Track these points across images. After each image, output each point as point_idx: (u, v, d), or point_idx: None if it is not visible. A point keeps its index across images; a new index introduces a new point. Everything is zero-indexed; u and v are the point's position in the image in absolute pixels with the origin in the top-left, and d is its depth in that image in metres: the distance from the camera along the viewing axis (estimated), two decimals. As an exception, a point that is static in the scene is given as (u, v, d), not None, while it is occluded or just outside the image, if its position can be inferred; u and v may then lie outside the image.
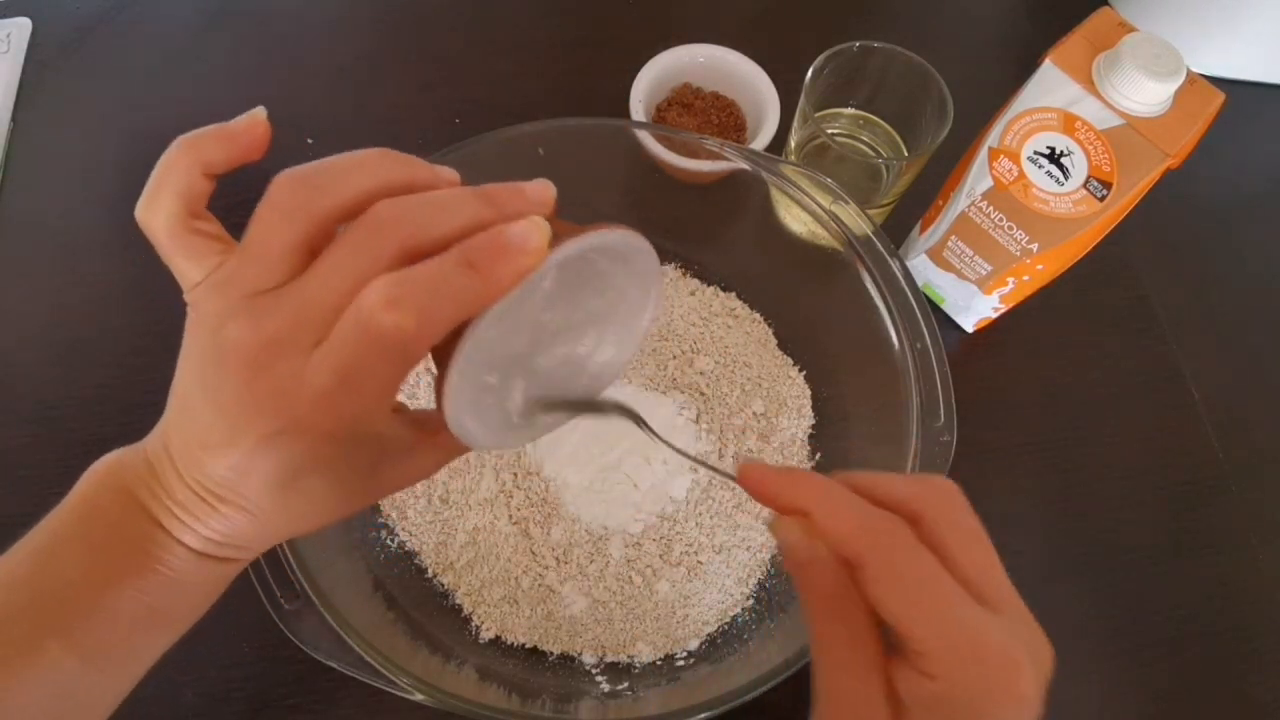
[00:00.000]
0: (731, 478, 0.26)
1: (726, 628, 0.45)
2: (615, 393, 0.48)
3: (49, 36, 0.62)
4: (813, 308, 0.51)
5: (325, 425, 0.24)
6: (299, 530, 0.27)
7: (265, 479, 0.24)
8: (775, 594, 0.45)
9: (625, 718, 0.42)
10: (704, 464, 0.30)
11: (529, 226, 0.24)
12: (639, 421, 0.29)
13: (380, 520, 0.46)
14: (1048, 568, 0.48)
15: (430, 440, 0.28)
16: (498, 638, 0.44)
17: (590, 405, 0.31)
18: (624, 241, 0.26)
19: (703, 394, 0.49)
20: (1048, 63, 0.42)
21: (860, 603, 0.23)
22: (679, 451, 0.30)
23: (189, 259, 0.28)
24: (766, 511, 0.42)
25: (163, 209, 0.28)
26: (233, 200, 0.60)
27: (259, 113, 0.28)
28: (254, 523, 0.25)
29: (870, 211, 0.46)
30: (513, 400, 0.29)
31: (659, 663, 0.44)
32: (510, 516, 0.46)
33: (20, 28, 0.62)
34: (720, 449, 0.48)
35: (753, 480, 0.25)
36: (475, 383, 0.27)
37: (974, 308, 0.51)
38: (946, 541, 0.24)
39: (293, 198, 0.25)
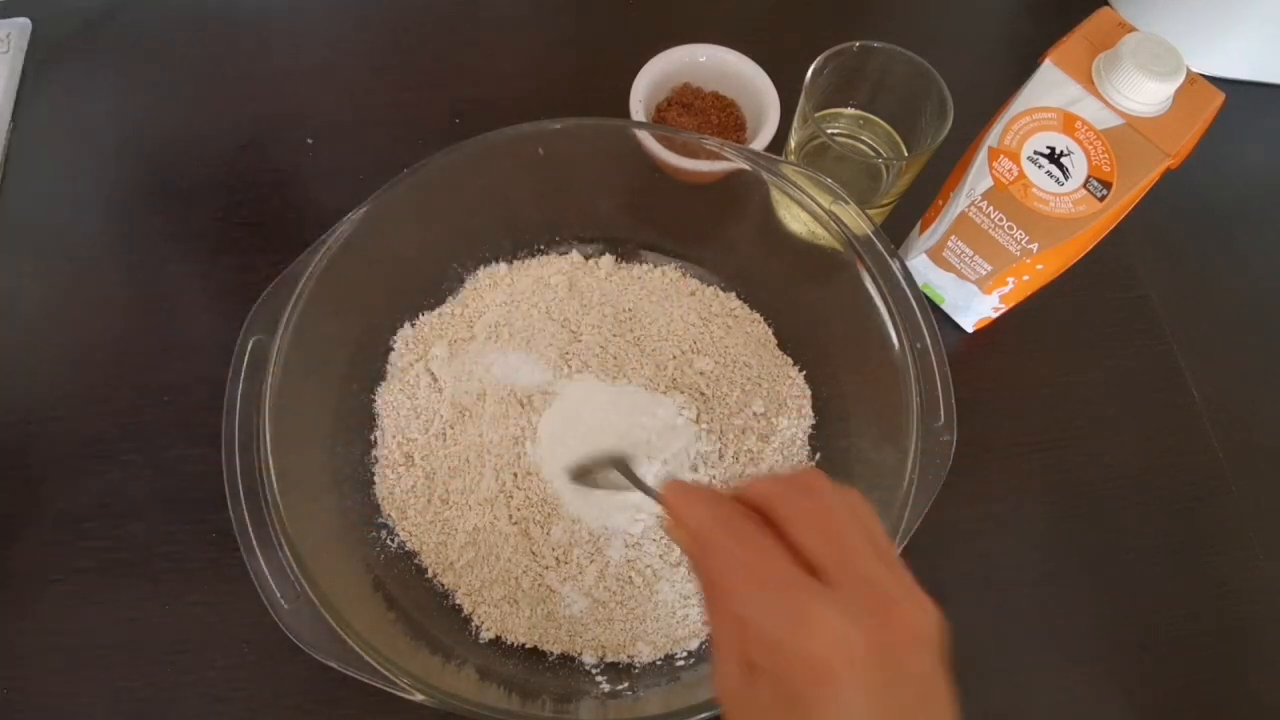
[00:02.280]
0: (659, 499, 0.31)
1: (726, 628, 0.45)
2: (617, 392, 0.48)
3: (49, 36, 0.62)
4: (813, 308, 0.51)
5: None
6: None
7: None
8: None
9: (625, 718, 0.42)
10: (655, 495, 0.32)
11: None
12: (625, 470, 0.34)
13: (380, 520, 0.46)
14: (1048, 568, 0.48)
15: None
16: (498, 638, 0.44)
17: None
18: None
19: (703, 394, 0.49)
20: (1048, 63, 0.42)
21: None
22: (655, 497, 0.33)
23: None
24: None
25: None
26: (232, 201, 0.60)
27: None
28: None
29: (870, 211, 0.46)
30: None
31: (659, 663, 0.43)
32: (510, 517, 0.46)
33: (20, 28, 0.62)
34: (720, 449, 0.48)
35: (665, 496, 0.30)
36: None
37: (974, 308, 0.51)
38: (786, 529, 0.27)
39: None
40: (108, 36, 0.63)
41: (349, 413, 0.47)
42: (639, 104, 0.53)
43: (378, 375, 0.49)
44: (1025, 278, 0.47)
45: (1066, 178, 0.42)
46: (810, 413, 0.49)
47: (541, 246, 0.54)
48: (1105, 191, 0.41)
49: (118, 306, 0.53)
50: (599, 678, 0.43)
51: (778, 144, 0.53)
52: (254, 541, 0.37)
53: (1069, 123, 0.41)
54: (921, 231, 0.51)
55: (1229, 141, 0.59)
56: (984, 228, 0.45)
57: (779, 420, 0.48)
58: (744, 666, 0.27)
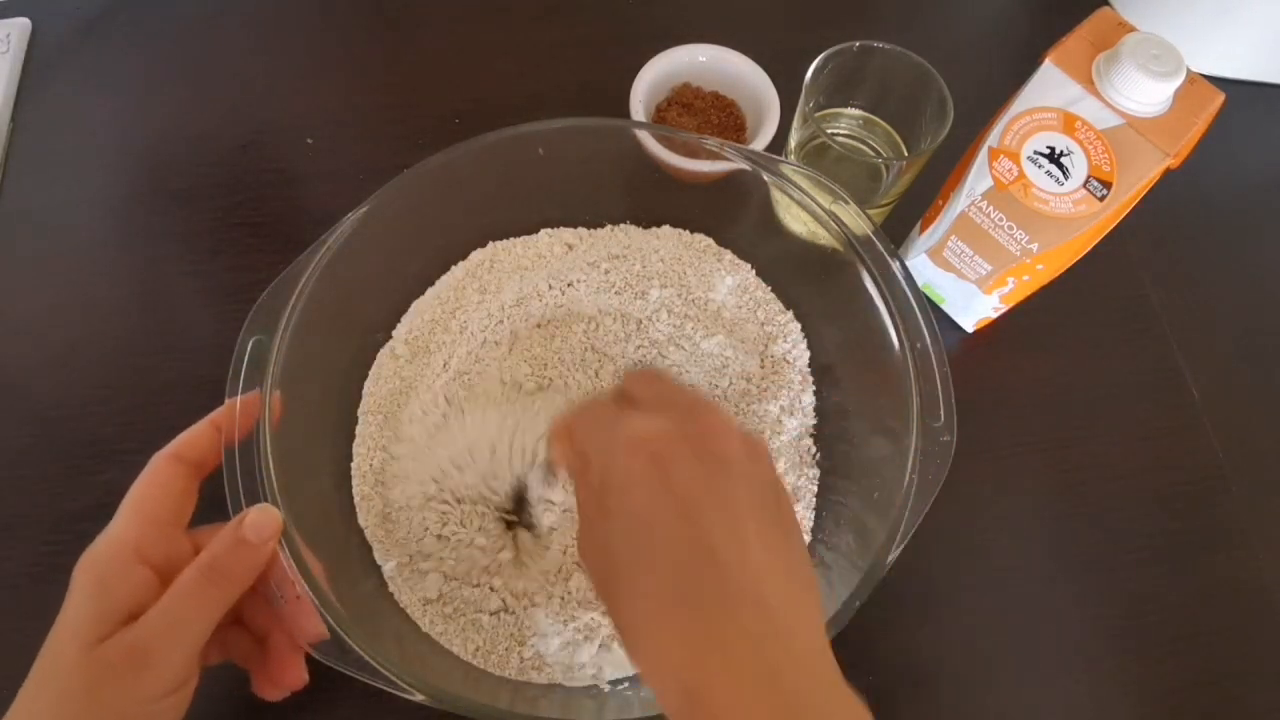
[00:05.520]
0: None
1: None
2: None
3: (49, 36, 0.62)
4: (813, 308, 0.51)
5: None
6: None
7: None
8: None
9: (625, 718, 0.42)
10: None
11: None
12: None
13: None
14: (1048, 568, 0.48)
15: None
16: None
17: None
18: None
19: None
20: (1048, 63, 0.42)
21: None
22: None
23: None
24: None
25: None
26: (232, 201, 0.60)
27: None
28: None
29: (870, 211, 0.46)
30: None
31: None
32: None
33: (20, 28, 0.62)
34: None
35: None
36: None
37: (974, 308, 0.51)
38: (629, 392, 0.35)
39: None
40: (108, 36, 0.63)
41: (349, 413, 0.47)
42: (639, 104, 0.53)
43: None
44: (1025, 278, 0.47)
45: (1066, 178, 0.42)
46: (811, 412, 0.49)
47: (541, 246, 0.54)
48: (1105, 191, 0.41)
49: (118, 306, 0.53)
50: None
51: (778, 144, 0.53)
52: (254, 541, 0.37)
53: (1069, 123, 0.41)
54: (921, 231, 0.51)
55: (1229, 141, 0.59)
56: (984, 228, 0.45)
57: (779, 420, 0.48)
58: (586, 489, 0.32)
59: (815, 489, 0.47)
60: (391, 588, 0.44)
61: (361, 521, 0.45)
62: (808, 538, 0.46)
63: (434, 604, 0.43)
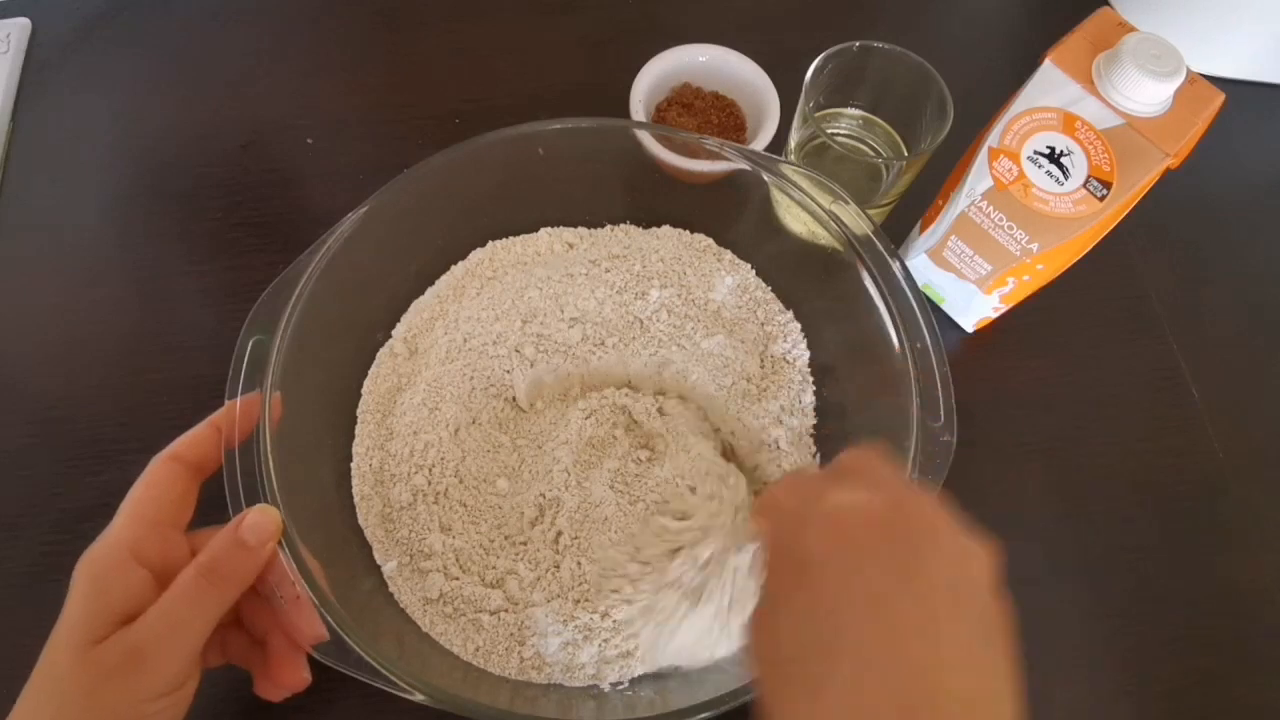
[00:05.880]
0: None
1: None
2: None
3: (49, 36, 0.62)
4: (813, 308, 0.51)
5: None
6: None
7: None
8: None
9: (625, 718, 0.42)
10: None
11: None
12: None
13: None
14: (1048, 568, 0.48)
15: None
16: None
17: None
18: None
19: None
20: (1048, 63, 0.42)
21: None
22: None
23: None
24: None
25: None
26: (232, 201, 0.60)
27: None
28: None
29: (870, 211, 0.46)
30: None
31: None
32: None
33: (20, 28, 0.62)
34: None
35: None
36: None
37: (974, 308, 0.51)
38: (838, 467, 0.32)
39: None
40: (108, 36, 0.63)
41: (349, 412, 0.47)
42: (639, 104, 0.53)
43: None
44: (1025, 278, 0.47)
45: (1066, 178, 0.42)
46: (811, 412, 0.49)
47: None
48: (1105, 191, 0.41)
49: (118, 306, 0.53)
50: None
51: (778, 144, 0.53)
52: (254, 541, 0.37)
53: (1069, 123, 0.41)
54: (921, 231, 0.51)
55: (1229, 141, 0.59)
56: (984, 228, 0.45)
57: (784, 420, 0.48)
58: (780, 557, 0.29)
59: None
60: (391, 588, 0.44)
61: (361, 521, 0.45)
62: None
63: (434, 604, 0.43)
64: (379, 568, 0.44)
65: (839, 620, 0.26)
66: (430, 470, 0.45)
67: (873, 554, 0.26)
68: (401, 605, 0.43)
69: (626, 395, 0.48)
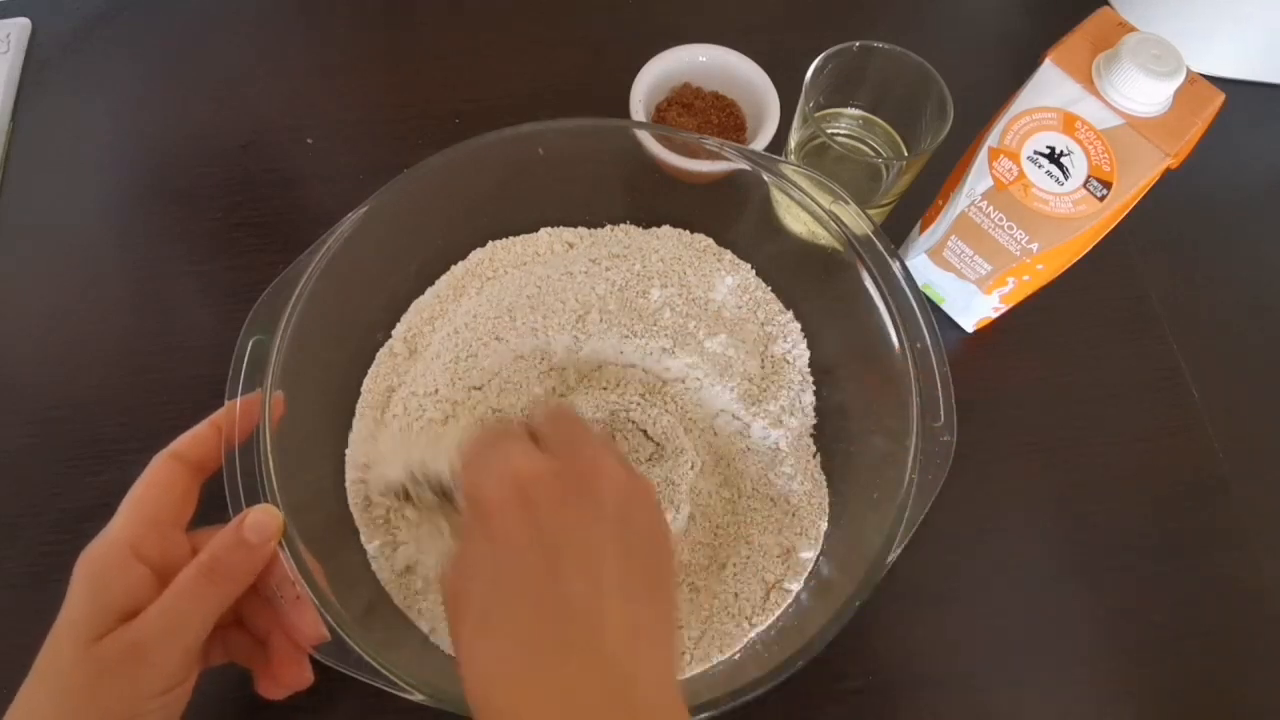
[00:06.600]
0: None
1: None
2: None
3: (49, 36, 0.62)
4: (813, 308, 0.51)
5: None
6: None
7: None
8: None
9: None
10: None
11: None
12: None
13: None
14: (1047, 568, 0.48)
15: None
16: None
17: None
18: None
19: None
20: (1048, 62, 0.42)
21: None
22: None
23: None
24: (759, 529, 0.44)
25: None
26: (232, 201, 0.60)
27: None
28: None
29: (870, 211, 0.46)
30: None
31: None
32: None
33: (20, 28, 0.62)
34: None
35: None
36: None
37: (974, 308, 0.51)
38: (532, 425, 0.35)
39: None
40: (108, 36, 0.63)
41: (349, 412, 0.47)
42: (639, 104, 0.53)
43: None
44: (1025, 278, 0.47)
45: (1066, 178, 0.42)
46: (811, 413, 0.49)
47: (541, 246, 0.54)
48: (1105, 191, 0.41)
49: (118, 306, 0.53)
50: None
51: (778, 144, 0.53)
52: (254, 541, 0.36)
53: (1069, 122, 0.41)
54: (921, 231, 0.51)
55: (1229, 141, 0.59)
56: (984, 228, 0.45)
57: (784, 420, 0.48)
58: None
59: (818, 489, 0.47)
60: (374, 566, 0.43)
61: (350, 507, 0.45)
62: (816, 546, 0.45)
63: (404, 576, 0.43)
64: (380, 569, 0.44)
65: (511, 571, 0.30)
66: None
67: (542, 512, 0.30)
68: (380, 581, 0.43)
69: (626, 396, 0.48)
